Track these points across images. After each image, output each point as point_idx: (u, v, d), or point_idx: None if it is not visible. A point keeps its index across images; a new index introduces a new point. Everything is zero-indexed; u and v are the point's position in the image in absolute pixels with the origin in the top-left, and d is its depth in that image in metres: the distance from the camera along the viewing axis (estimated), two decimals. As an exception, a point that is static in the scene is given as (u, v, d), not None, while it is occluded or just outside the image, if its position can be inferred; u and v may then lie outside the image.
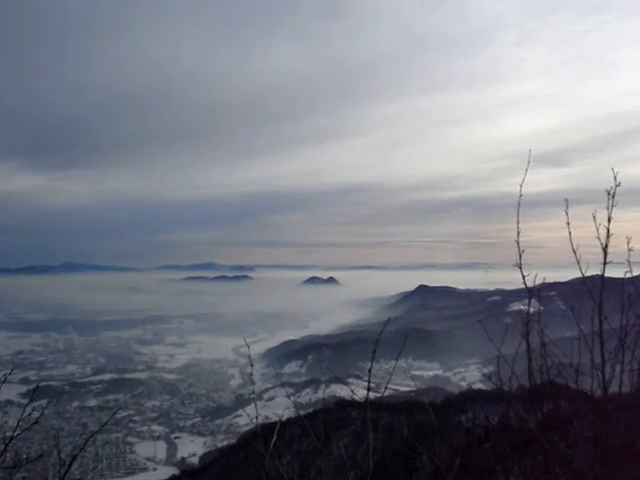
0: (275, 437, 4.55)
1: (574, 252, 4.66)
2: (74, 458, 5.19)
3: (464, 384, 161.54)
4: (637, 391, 4.48)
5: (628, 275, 4.75)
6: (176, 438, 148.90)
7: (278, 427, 5.10)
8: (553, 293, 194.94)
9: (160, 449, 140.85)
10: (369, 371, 5.14)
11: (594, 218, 4.56)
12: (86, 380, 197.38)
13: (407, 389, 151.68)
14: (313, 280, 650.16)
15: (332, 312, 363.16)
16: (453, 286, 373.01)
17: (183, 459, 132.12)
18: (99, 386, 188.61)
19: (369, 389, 5.68)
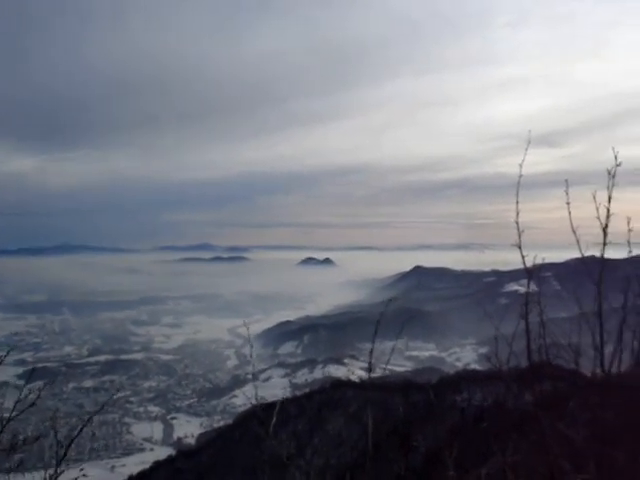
0: (275, 419, 4.53)
1: (574, 232, 4.64)
2: (71, 441, 5.19)
3: (459, 364, 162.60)
4: (635, 371, 4.49)
5: (628, 255, 4.74)
6: (173, 419, 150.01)
7: (278, 408, 5.08)
8: (549, 274, 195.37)
9: (157, 430, 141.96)
10: (370, 352, 5.11)
11: (594, 198, 4.54)
12: (82, 361, 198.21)
13: (403, 369, 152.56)
14: (309, 261, 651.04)
15: (328, 293, 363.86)
16: (448, 267, 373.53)
17: (179, 439, 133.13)
18: (95, 367, 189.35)
19: (370, 369, 5.66)
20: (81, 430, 6.17)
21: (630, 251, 4.70)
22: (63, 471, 4.93)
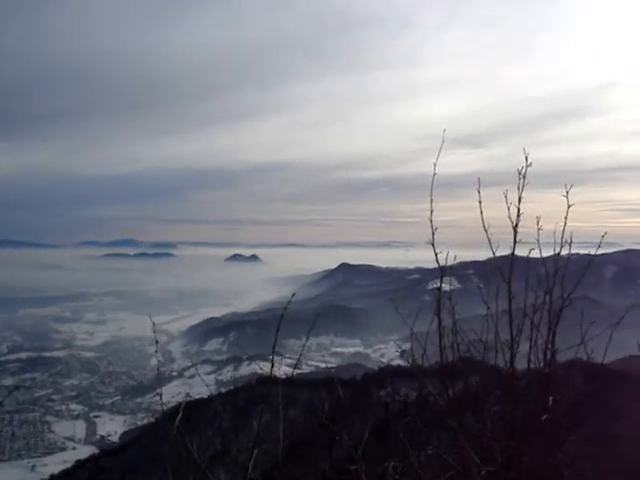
0: (180, 415, 4.50)
1: (485, 231, 4.76)
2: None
3: (384, 360, 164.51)
4: (544, 367, 4.64)
5: (535, 254, 4.90)
6: (95, 417, 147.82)
7: (183, 406, 5.05)
8: (470, 271, 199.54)
9: (79, 428, 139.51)
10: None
11: (505, 198, 4.68)
12: (2, 359, 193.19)
13: (328, 365, 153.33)
14: (235, 257, 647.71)
15: (254, 290, 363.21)
16: (374, 264, 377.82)
17: (102, 438, 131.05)
18: (16, 365, 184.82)
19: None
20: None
21: (540, 250, 4.86)
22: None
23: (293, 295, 4.99)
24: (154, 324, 5.97)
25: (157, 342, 5.42)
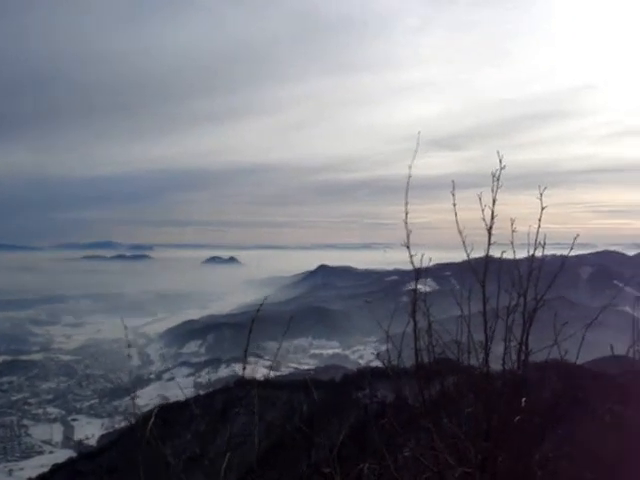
0: (152, 420, 4.46)
1: (460, 233, 4.79)
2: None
3: (362, 362, 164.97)
4: (518, 369, 4.67)
5: (509, 256, 4.94)
6: (73, 420, 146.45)
7: (156, 411, 5.01)
8: (448, 273, 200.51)
9: (57, 432, 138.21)
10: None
11: (480, 200, 4.71)
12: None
13: (307, 367, 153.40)
14: (214, 260, 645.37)
15: (233, 292, 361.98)
16: (353, 266, 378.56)
17: (80, 441, 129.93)
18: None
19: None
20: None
21: (513, 251, 4.90)
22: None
23: (265, 298, 4.99)
24: (126, 328, 5.95)
25: (129, 346, 5.38)
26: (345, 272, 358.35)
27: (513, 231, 4.76)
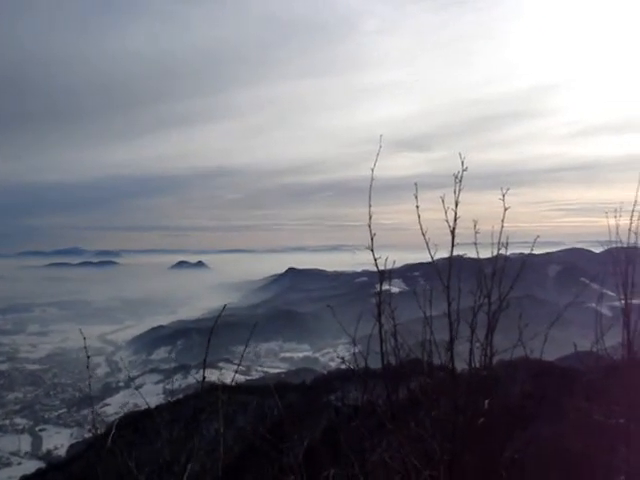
0: (114, 430, 4.40)
1: (423, 235, 4.81)
2: None
3: (333, 364, 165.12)
4: (482, 369, 4.69)
5: (469, 255, 4.97)
6: (41, 430, 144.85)
7: (117, 422, 4.95)
8: (417, 273, 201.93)
9: (24, 442, 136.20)
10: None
11: (442, 202, 4.73)
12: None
13: (277, 371, 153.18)
14: (181, 264, 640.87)
15: (201, 296, 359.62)
16: (322, 268, 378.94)
17: (49, 452, 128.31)
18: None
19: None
20: None
21: (477, 252, 4.92)
22: None
23: (225, 306, 4.92)
24: (85, 338, 5.84)
25: (88, 357, 5.26)
26: (314, 274, 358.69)
27: (476, 232, 4.78)
